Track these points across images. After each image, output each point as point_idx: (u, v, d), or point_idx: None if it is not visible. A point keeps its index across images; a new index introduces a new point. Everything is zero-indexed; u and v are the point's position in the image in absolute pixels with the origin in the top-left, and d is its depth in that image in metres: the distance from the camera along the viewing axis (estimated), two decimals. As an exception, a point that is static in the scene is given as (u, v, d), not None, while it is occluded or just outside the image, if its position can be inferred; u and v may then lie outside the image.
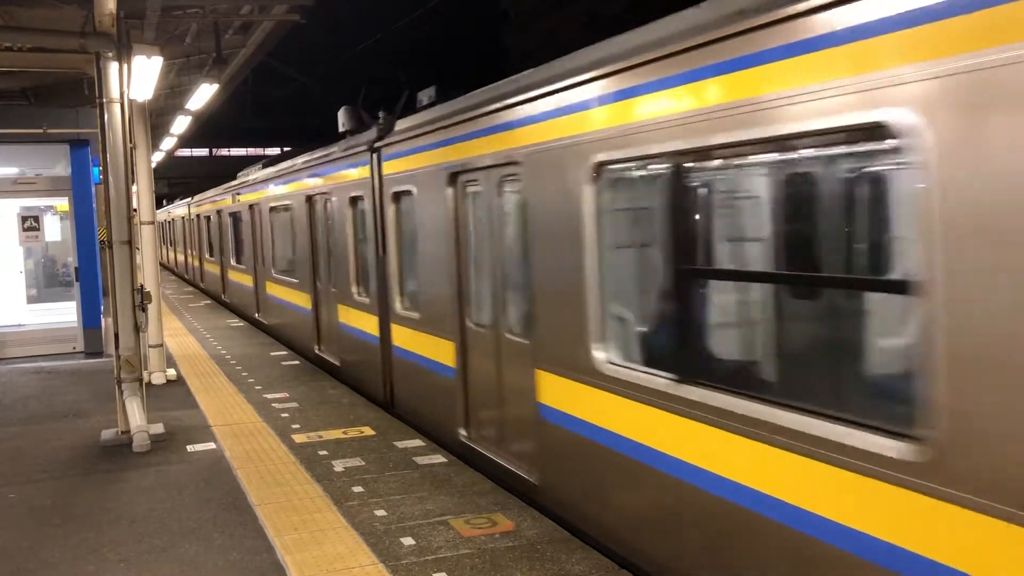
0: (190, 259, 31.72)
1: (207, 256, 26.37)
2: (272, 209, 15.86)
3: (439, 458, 7.88)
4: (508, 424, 7.27)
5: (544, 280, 6.33)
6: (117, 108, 8.94)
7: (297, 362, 13.41)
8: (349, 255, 11.33)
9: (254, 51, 14.40)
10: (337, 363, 12.37)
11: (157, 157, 28.09)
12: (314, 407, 10.15)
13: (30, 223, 14.49)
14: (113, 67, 8.94)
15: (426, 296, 8.87)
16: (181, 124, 19.06)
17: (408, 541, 5.93)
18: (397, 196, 9.51)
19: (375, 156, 9.96)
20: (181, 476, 7.68)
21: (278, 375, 12.35)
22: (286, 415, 9.81)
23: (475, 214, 7.77)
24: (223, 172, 42.71)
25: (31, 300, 15.72)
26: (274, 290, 16.17)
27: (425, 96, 9.52)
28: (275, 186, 15.68)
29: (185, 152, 65.51)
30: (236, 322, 19.13)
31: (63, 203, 15.06)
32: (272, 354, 14.28)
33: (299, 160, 14.16)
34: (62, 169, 14.82)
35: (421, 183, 8.69)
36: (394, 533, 6.09)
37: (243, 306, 19.75)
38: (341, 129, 11.60)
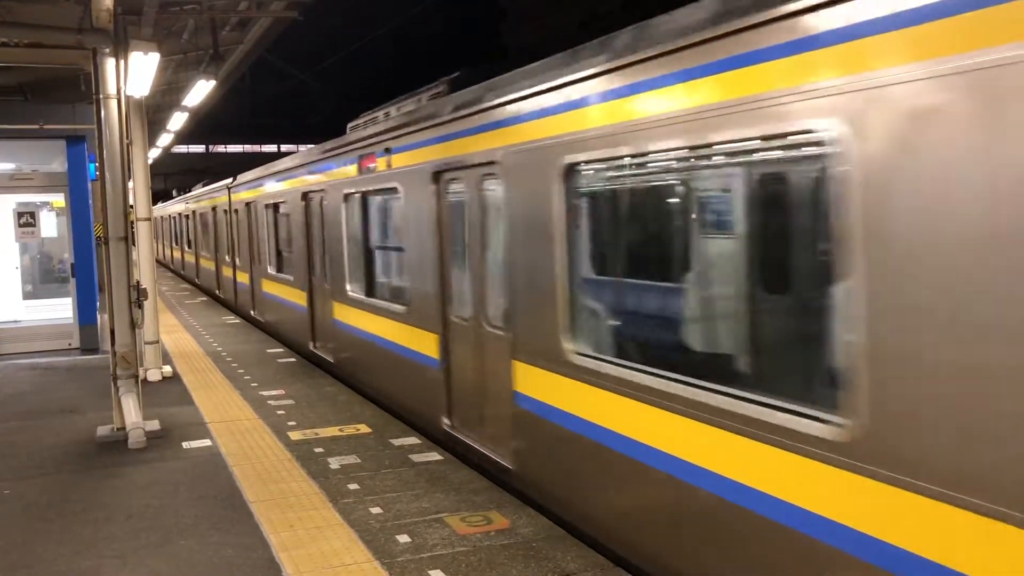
0: (226, 270, 21.59)
1: (269, 270, 16.33)
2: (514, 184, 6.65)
3: (435, 456, 7.89)
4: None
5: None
6: (114, 104, 8.93)
7: (293, 359, 13.41)
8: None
9: (251, 48, 14.39)
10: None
11: (154, 154, 28.02)
12: (310, 404, 10.16)
13: (26, 219, 14.46)
14: (110, 63, 8.94)
15: None
16: (178, 120, 19.04)
17: (404, 538, 5.94)
18: None
19: None
20: (177, 473, 7.69)
21: (274, 372, 12.34)
22: (282, 412, 9.81)
23: None
24: (220, 169, 42.74)
25: (27, 296, 15.68)
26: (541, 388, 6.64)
27: None
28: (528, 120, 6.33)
29: (182, 148, 65.48)
30: (232, 319, 19.12)
31: (59, 199, 15.03)
32: (269, 351, 14.27)
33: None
34: (58, 165, 14.79)
35: None
36: (390, 530, 6.10)
37: (374, 369, 10.60)
38: None
